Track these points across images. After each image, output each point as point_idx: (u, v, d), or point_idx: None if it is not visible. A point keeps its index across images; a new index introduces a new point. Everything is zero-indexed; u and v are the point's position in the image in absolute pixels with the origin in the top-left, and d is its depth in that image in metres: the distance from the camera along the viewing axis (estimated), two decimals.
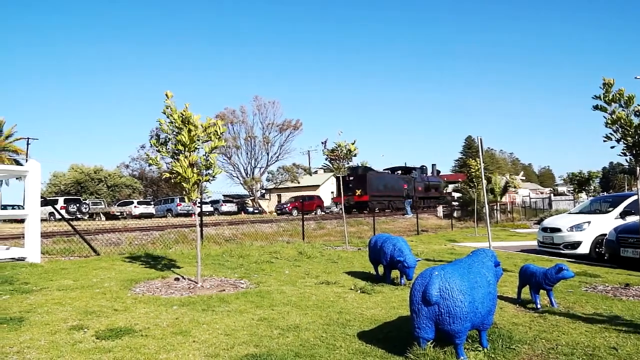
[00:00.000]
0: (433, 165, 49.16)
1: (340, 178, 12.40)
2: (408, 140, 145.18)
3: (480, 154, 11.31)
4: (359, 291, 5.99)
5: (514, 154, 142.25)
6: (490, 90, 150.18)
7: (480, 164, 11.22)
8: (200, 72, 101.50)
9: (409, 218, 25.30)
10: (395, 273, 6.91)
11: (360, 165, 36.13)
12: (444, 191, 45.96)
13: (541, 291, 5.31)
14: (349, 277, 7.25)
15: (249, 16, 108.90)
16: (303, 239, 13.26)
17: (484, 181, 11.37)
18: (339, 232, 15.96)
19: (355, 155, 11.72)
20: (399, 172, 40.29)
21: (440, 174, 52.30)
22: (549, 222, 12.25)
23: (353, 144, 11.40)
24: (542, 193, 69.77)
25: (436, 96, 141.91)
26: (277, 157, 51.45)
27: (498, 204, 30.54)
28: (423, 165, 46.50)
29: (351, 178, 32.10)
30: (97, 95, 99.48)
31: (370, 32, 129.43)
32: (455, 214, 26.93)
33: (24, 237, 8.15)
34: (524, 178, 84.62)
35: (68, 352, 3.32)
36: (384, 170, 40.83)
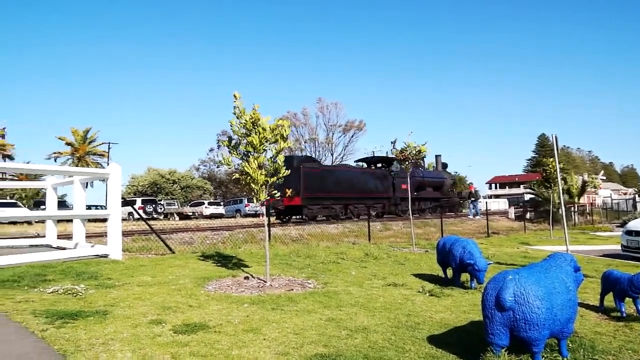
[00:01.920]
0: (437, 156, 35.56)
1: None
2: (480, 141, 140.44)
3: (556, 152, 10.74)
4: (427, 294, 5.88)
5: (592, 152, 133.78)
6: (567, 86, 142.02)
7: (555, 163, 10.65)
8: (263, 75, 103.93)
9: (477, 219, 24.45)
10: (465, 276, 6.71)
11: (297, 154, 26.48)
12: (452, 190, 33.47)
13: (626, 299, 4.95)
14: (417, 279, 7.13)
15: (315, 20, 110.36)
16: (369, 240, 13.20)
17: (560, 181, 10.77)
18: (405, 233, 15.73)
19: (425, 156, 11.57)
20: (382, 164, 27.89)
21: (505, 176, 47.21)
22: (634, 224, 11.40)
23: (424, 144, 11.26)
24: (625, 194, 65.00)
25: (508, 96, 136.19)
26: (342, 157, 51.62)
27: (576, 205, 28.79)
28: None
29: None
30: (167, 98, 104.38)
31: (444, 31, 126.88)
32: (527, 216, 25.72)
33: (106, 235, 8.71)
34: (604, 178, 79.28)
35: (148, 345, 3.50)
36: (359, 160, 28.88)
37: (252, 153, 6.37)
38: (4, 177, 33.29)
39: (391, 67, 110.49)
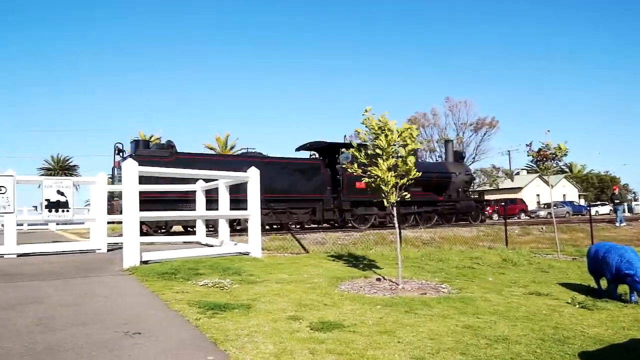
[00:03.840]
0: (447, 142, 26.86)
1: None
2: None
3: None
4: (577, 306, 5.33)
5: None
6: None
7: None
8: (389, 77, 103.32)
9: (622, 227, 21.47)
10: (622, 288, 5.96)
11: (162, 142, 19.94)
12: (467, 191, 24.90)
13: None
14: (564, 289, 6.51)
15: (437, 20, 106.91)
16: (506, 244, 12.41)
17: None
18: (548, 238, 14.49)
19: (565, 155, 10.62)
20: (316, 154, 21.97)
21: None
22: None
23: (565, 143, 10.33)
24: None
25: None
26: (473, 158, 49.37)
27: None
28: None
29: None
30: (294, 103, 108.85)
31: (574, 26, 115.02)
32: None
33: (246, 234, 9.38)
34: None
35: (288, 340, 3.67)
36: (300, 147, 22.11)
37: (380, 156, 6.39)
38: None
39: (525, 62, 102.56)
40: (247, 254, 8.85)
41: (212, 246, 10.13)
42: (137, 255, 7.38)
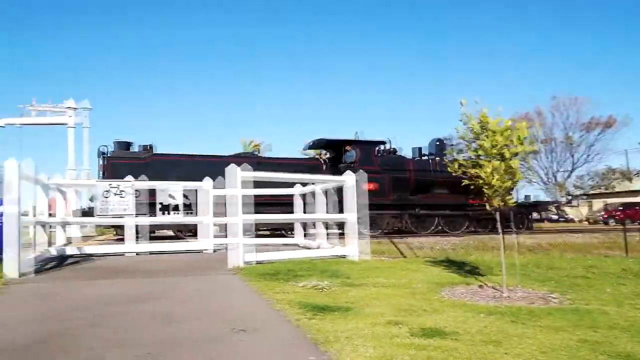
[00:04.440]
0: (439, 142, 20.38)
1: None
2: None
3: None
4: None
5: None
6: None
7: None
8: (491, 74, 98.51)
9: None
10: None
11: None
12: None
13: None
14: None
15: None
16: (626, 253, 11.29)
17: None
18: None
19: None
20: (328, 153, 20.28)
21: None
22: None
23: None
24: None
25: None
26: (586, 159, 45.60)
27: None
28: (363, 140, 18.87)
29: None
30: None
31: None
32: None
33: (337, 237, 9.49)
34: None
35: (387, 344, 3.65)
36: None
37: (483, 157, 6.13)
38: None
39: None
40: (344, 257, 8.95)
41: (309, 248, 10.38)
42: (240, 256, 7.78)
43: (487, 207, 6.27)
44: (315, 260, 8.46)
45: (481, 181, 6.07)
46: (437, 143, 19.90)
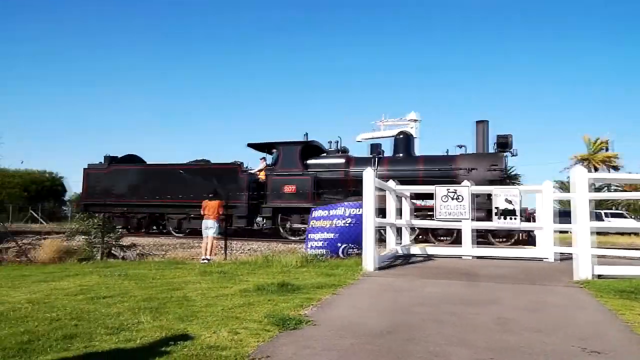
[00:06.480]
0: (479, 124, 15.19)
1: None
2: None
3: None
4: None
5: None
6: None
7: None
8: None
9: None
10: None
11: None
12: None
13: None
14: None
15: None
16: None
17: None
18: None
19: None
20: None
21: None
22: None
23: None
24: None
25: None
26: None
27: None
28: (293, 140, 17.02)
29: None
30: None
31: None
32: None
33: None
34: None
35: None
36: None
37: None
38: (609, 188, 33.96)
39: None
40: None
41: None
42: (589, 268, 6.92)
43: None
44: None
45: None
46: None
